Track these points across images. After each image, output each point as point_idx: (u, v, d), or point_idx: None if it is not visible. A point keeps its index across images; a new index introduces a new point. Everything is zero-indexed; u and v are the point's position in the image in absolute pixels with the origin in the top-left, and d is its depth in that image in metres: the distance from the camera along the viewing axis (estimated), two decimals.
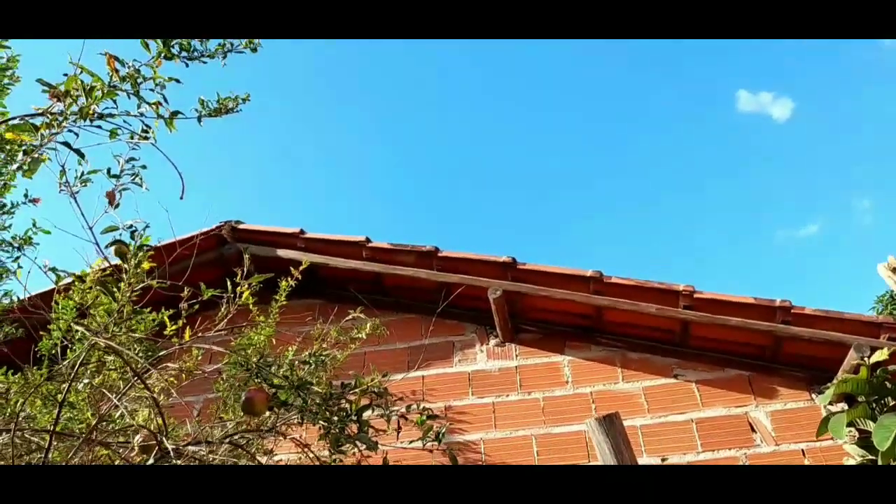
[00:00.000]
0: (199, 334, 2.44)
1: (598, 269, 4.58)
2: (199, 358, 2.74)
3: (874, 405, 2.22)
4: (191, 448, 2.04)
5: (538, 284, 4.69)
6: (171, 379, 2.83)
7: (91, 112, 1.77)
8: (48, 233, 2.96)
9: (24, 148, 1.78)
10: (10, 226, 2.88)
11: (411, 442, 2.15)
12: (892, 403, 2.21)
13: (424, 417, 1.79)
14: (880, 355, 2.10)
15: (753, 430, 4.14)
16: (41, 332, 2.53)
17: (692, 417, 4.28)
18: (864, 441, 2.40)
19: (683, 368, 4.53)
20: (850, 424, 2.37)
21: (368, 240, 5.05)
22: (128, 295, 2.09)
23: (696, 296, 4.35)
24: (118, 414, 2.30)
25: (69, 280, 2.55)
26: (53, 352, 2.46)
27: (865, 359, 2.14)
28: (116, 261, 2.19)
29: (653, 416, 4.31)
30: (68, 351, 2.41)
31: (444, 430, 1.94)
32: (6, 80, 2.52)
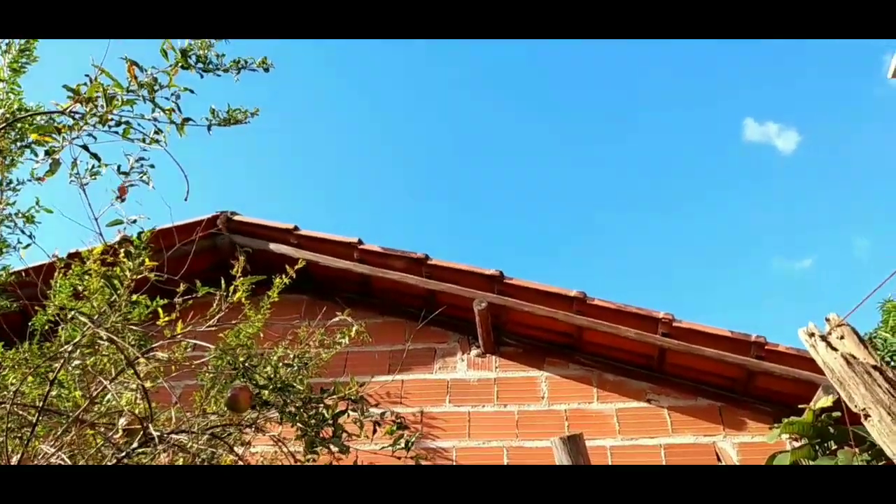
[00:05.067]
0: (191, 326, 2.61)
1: (582, 289, 4.78)
2: (189, 350, 2.91)
3: (817, 447, 2.42)
4: (174, 436, 2.21)
5: (523, 300, 4.89)
6: (160, 367, 3.00)
7: (109, 119, 1.95)
8: (50, 211, 3.11)
9: (45, 148, 1.95)
10: (14, 202, 3.01)
11: (382, 448, 2.35)
12: (833, 447, 2.40)
13: (395, 427, 1.96)
14: (825, 401, 2.30)
15: (720, 459, 4.34)
16: (36, 308, 2.70)
17: (661, 443, 4.48)
18: None
19: (657, 394, 4.73)
20: (793, 463, 2.58)
21: (360, 241, 5.23)
22: (127, 285, 2.26)
23: (674, 324, 4.55)
24: (106, 397, 2.47)
25: (66, 259, 2.71)
26: (46, 328, 2.61)
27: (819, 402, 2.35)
28: (118, 249, 2.36)
29: (623, 438, 4.51)
30: (60, 329, 2.55)
31: (413, 440, 2.11)
32: (24, 60, 2.64)
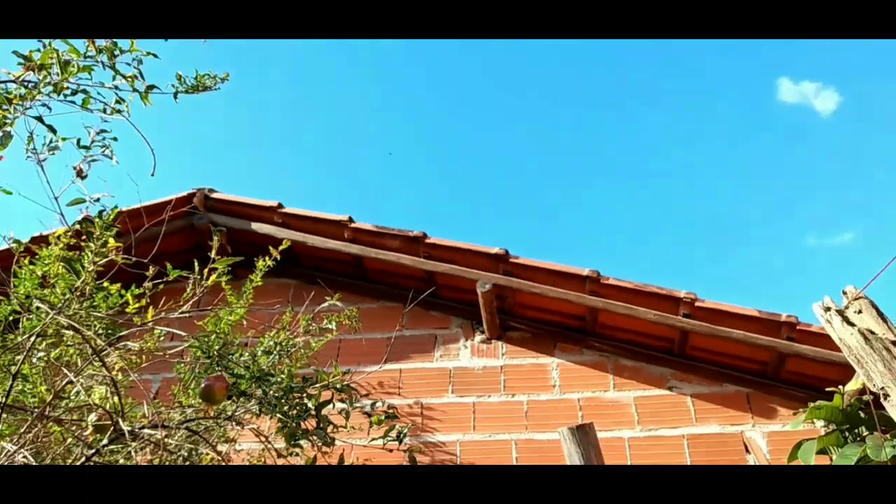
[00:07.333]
0: (164, 313, 2.62)
1: (595, 268, 4.77)
2: (161, 337, 2.92)
3: (847, 434, 2.41)
4: (147, 431, 2.22)
5: (531, 280, 4.88)
6: (132, 358, 3.02)
7: (65, 87, 1.94)
8: (9, 193, 3.12)
9: None
10: None
11: (372, 440, 2.33)
12: (864, 434, 2.39)
13: (382, 416, 1.96)
14: (856, 383, 2.28)
15: (748, 450, 4.34)
16: None
17: (684, 433, 4.48)
18: None
19: (679, 380, 4.73)
20: (822, 452, 2.56)
21: (351, 219, 5.23)
22: (90, 270, 2.27)
23: (697, 304, 4.54)
24: (74, 391, 2.49)
25: (27, 243, 2.72)
26: (11, 318, 2.63)
27: (840, 386, 2.33)
28: (81, 230, 2.36)
29: (643, 429, 4.52)
30: (23, 320, 2.56)
31: (405, 431, 2.12)
32: None
